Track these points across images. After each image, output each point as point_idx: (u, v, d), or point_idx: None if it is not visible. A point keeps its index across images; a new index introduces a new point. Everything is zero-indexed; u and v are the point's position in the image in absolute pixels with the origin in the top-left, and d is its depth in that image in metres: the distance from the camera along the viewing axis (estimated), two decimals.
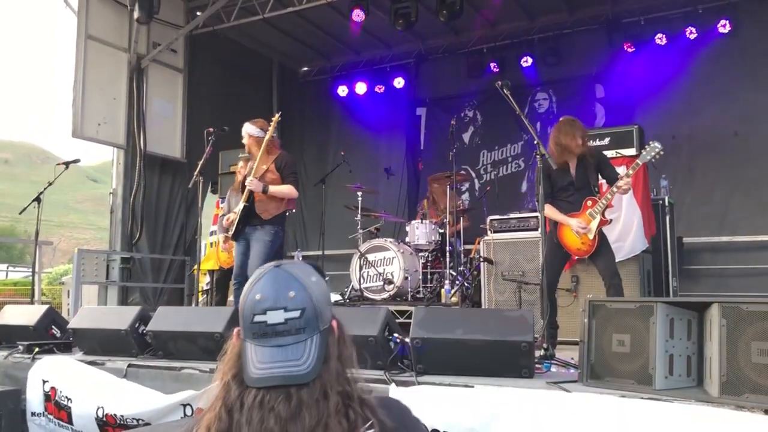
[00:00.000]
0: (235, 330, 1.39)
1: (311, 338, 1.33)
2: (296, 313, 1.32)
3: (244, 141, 5.54)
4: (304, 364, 1.30)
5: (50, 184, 6.60)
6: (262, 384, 1.29)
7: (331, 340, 1.37)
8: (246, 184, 5.29)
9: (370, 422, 1.32)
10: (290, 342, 1.31)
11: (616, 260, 5.07)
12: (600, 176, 4.82)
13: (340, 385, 1.34)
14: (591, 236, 4.61)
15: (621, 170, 5.91)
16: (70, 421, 4.21)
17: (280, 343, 1.31)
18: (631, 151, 6.02)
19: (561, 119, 4.93)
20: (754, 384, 2.55)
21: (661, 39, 8.96)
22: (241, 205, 5.33)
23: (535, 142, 4.37)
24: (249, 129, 5.50)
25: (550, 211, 4.75)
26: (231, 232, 5.44)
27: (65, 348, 4.91)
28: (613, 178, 4.70)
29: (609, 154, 6.10)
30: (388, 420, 1.36)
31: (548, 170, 4.66)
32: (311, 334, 1.33)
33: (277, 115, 5.41)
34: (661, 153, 4.44)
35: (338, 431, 1.28)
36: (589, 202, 4.67)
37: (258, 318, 1.32)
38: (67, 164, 6.77)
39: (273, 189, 5.30)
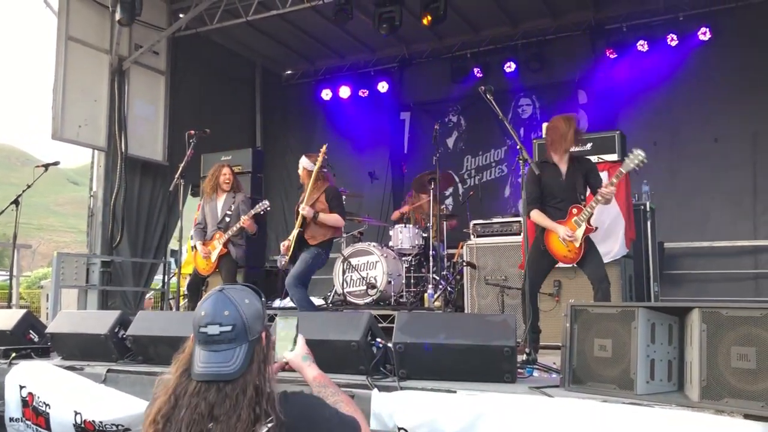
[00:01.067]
0: (191, 335, 1.83)
1: (240, 347, 1.77)
2: (228, 328, 1.76)
3: (299, 171, 6.08)
4: (232, 366, 1.75)
5: (29, 186, 6.52)
6: (200, 378, 1.75)
7: (257, 348, 1.82)
8: (300, 210, 5.79)
9: (271, 417, 1.73)
10: (223, 348, 1.76)
11: None
12: (586, 184, 4.79)
13: (259, 383, 1.76)
14: (577, 244, 4.60)
15: (603, 176, 5.96)
16: (48, 427, 4.14)
17: (215, 348, 1.76)
18: (613, 157, 6.04)
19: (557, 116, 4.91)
20: (734, 388, 2.56)
21: (642, 45, 9.05)
22: (295, 232, 5.86)
23: (518, 147, 4.37)
24: (303, 162, 6.02)
25: (538, 217, 4.72)
26: (288, 258, 5.90)
27: (43, 353, 4.84)
28: (598, 188, 4.69)
29: (592, 159, 6.15)
30: (283, 415, 1.75)
31: (538, 174, 4.64)
32: (240, 344, 1.77)
33: (324, 147, 5.88)
34: (645, 162, 4.33)
35: (246, 420, 1.70)
36: (575, 210, 4.64)
37: (201, 329, 1.78)
38: (46, 166, 6.70)
39: (323, 216, 5.81)
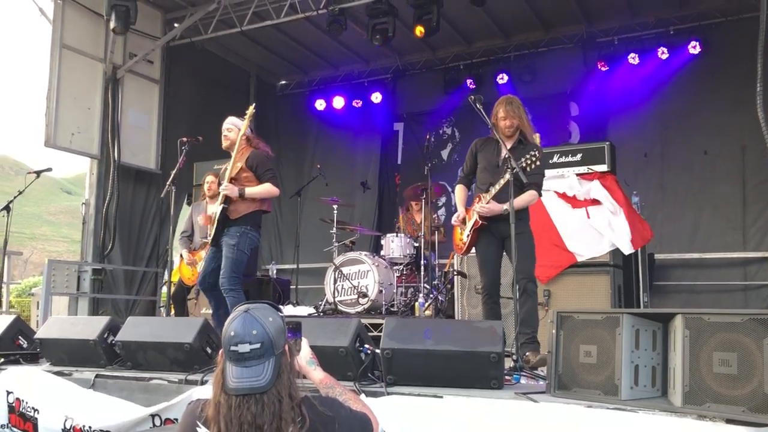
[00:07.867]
0: (220, 352, 2.02)
1: (269, 361, 1.96)
2: (258, 345, 1.95)
3: (226, 136, 5.15)
4: (264, 379, 1.93)
5: (20, 192, 6.52)
6: (235, 392, 1.93)
7: (283, 360, 2.01)
8: (221, 189, 4.89)
9: (300, 418, 1.96)
10: (254, 364, 1.94)
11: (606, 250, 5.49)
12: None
13: (289, 390, 1.97)
14: (464, 237, 4.54)
15: (594, 185, 6.01)
16: None
17: (247, 365, 1.94)
18: (603, 167, 6.10)
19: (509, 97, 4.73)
20: (716, 394, 2.59)
21: (633, 58, 9.13)
22: (219, 209, 4.88)
23: (507, 156, 4.40)
24: (234, 122, 5.17)
25: (457, 194, 4.71)
26: (210, 238, 5.00)
27: (32, 359, 4.84)
28: (532, 182, 4.37)
29: (581, 169, 6.20)
30: (309, 417, 1.97)
31: (477, 148, 4.60)
32: (269, 358, 1.96)
33: (251, 108, 5.12)
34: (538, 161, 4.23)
35: (288, 421, 1.93)
36: (477, 199, 4.54)
37: (232, 348, 1.95)
38: (38, 173, 6.69)
39: (251, 191, 4.86)
